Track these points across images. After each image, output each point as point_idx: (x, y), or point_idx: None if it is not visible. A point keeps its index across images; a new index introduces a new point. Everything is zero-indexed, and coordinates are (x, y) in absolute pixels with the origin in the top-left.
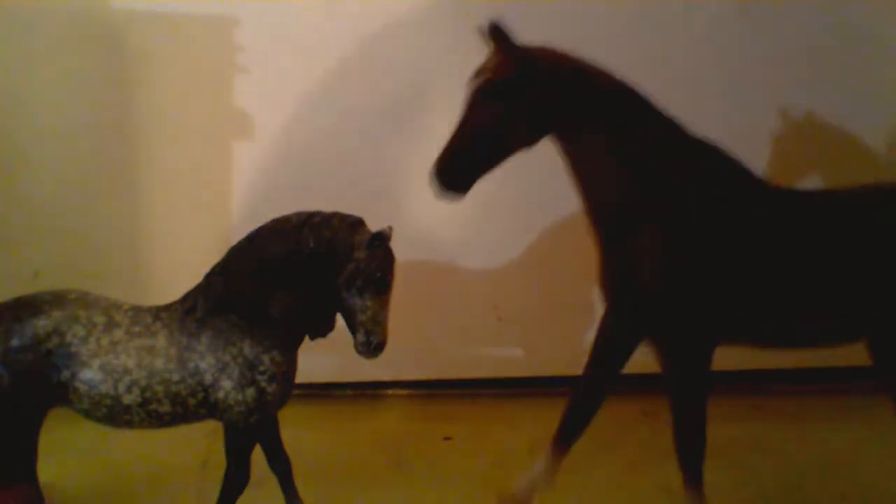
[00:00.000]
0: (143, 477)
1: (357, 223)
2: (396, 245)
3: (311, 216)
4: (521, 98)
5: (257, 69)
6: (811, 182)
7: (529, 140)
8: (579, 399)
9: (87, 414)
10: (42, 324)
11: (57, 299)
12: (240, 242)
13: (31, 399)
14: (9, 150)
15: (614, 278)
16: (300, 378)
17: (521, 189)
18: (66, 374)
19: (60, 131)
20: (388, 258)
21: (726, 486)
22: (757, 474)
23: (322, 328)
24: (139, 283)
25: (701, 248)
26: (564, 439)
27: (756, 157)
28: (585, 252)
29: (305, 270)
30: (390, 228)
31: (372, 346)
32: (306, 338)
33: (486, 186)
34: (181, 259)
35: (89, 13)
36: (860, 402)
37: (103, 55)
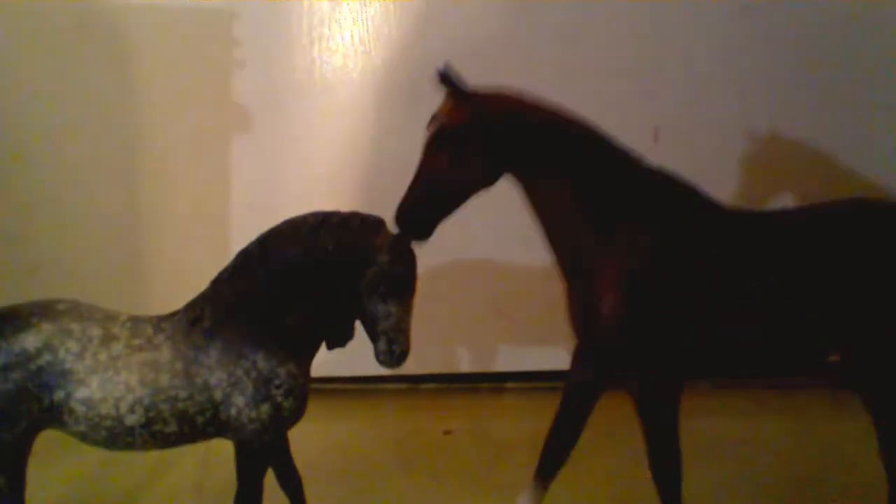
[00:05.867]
0: (143, 472)
1: (378, 223)
2: None
3: (328, 216)
4: (473, 143)
5: (256, 63)
6: (816, 182)
7: (485, 182)
8: (558, 433)
9: (84, 437)
10: (31, 338)
11: (46, 310)
12: (250, 246)
13: (19, 423)
14: (8, 145)
15: (579, 317)
16: None
17: None
18: (59, 393)
19: (59, 127)
20: (412, 261)
21: (725, 481)
22: (756, 469)
23: (341, 337)
24: (139, 278)
25: (658, 285)
26: (546, 472)
27: (760, 155)
28: None
29: (323, 275)
30: None
31: (395, 355)
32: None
33: None
34: (181, 254)
35: (88, 9)
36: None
37: (102, 50)
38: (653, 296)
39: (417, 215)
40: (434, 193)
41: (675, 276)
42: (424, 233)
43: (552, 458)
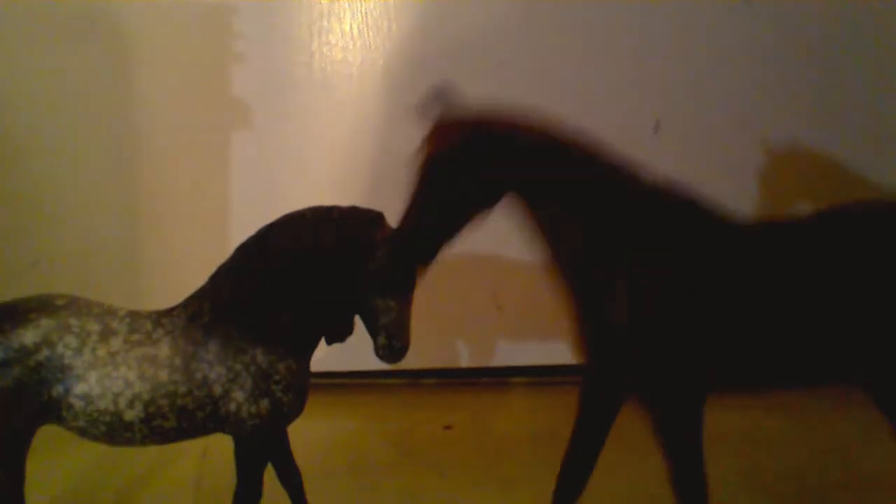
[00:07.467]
0: (142, 467)
1: (377, 218)
2: None
3: (328, 211)
4: (466, 168)
5: (255, 57)
6: (823, 186)
7: (486, 206)
8: (572, 465)
9: (83, 432)
10: (29, 334)
11: (44, 306)
12: (249, 240)
13: (17, 418)
14: (7, 140)
15: (589, 338)
16: None
17: None
18: (58, 389)
19: (58, 121)
20: None
21: (726, 477)
22: (757, 464)
23: (340, 332)
24: (138, 273)
25: (670, 300)
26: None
27: (763, 146)
28: None
29: (322, 270)
30: None
31: (395, 350)
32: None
33: None
34: (180, 248)
35: (87, 4)
36: (860, 392)
37: (100, 45)
38: (662, 314)
39: (419, 244)
40: (430, 227)
41: (683, 293)
42: (428, 258)
43: (569, 487)
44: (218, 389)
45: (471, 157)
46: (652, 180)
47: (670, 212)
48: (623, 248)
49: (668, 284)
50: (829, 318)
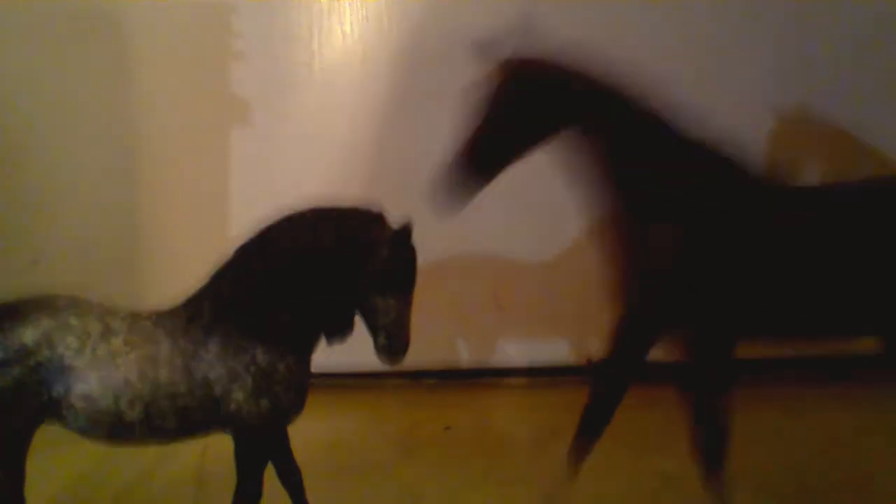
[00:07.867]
0: (143, 466)
1: (378, 217)
2: None
3: (327, 211)
4: (519, 106)
5: (255, 56)
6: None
7: (534, 143)
8: (600, 395)
9: (83, 432)
10: (30, 333)
11: (45, 305)
12: (248, 240)
13: (17, 418)
14: (7, 140)
15: (630, 280)
16: None
17: (521, 177)
18: (58, 389)
19: (59, 120)
20: (412, 254)
21: (726, 476)
22: (757, 462)
23: (340, 331)
24: (138, 273)
25: (711, 246)
26: (587, 435)
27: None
28: (586, 240)
29: (322, 270)
30: (411, 222)
31: (395, 349)
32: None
33: None
34: (180, 247)
35: (87, 3)
36: (860, 391)
37: (101, 45)
38: (702, 258)
39: (479, 160)
40: (480, 157)
41: (723, 240)
42: (465, 200)
43: (594, 420)
44: (218, 389)
45: (520, 94)
46: (692, 132)
47: (718, 161)
48: (664, 195)
49: (707, 234)
50: (852, 276)
